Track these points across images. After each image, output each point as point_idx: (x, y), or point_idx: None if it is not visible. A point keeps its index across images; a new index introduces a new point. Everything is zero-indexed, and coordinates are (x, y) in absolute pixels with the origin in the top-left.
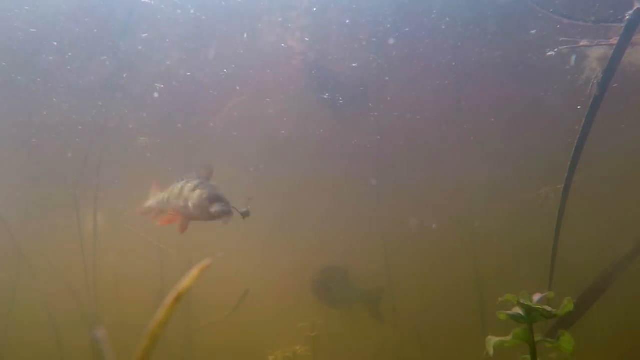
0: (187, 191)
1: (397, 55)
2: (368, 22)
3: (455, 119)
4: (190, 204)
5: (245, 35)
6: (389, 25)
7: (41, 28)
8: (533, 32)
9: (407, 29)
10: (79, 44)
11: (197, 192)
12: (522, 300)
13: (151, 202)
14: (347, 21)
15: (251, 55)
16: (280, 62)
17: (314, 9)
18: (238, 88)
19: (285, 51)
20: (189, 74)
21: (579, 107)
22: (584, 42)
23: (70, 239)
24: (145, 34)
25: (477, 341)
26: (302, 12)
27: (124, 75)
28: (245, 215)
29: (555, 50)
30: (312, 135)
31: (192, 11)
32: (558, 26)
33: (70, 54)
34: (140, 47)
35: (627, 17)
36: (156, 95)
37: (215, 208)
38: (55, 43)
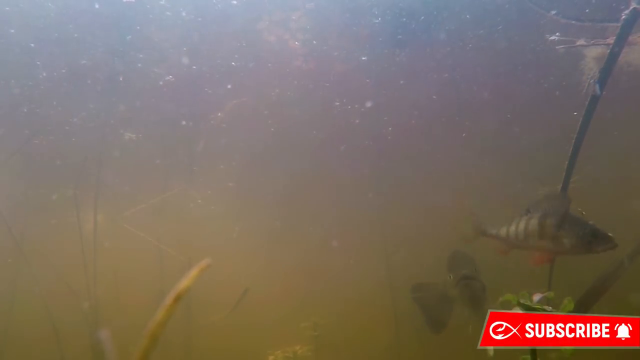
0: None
1: (396, 53)
2: (366, 17)
3: (456, 116)
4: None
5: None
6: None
7: (22, 29)
8: (534, 29)
9: (407, 26)
10: (65, 44)
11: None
12: (522, 300)
13: (490, 231)
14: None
15: (251, 55)
16: (281, 63)
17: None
18: (238, 89)
19: (286, 51)
20: (183, 75)
21: (575, 113)
22: (580, 42)
23: (70, 238)
24: (130, 36)
25: (477, 341)
26: (303, 12)
27: (120, 79)
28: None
29: (557, 34)
30: (312, 135)
31: (183, 13)
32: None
33: (55, 55)
34: (129, 49)
35: (624, 17)
36: (152, 94)
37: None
38: (32, 45)
